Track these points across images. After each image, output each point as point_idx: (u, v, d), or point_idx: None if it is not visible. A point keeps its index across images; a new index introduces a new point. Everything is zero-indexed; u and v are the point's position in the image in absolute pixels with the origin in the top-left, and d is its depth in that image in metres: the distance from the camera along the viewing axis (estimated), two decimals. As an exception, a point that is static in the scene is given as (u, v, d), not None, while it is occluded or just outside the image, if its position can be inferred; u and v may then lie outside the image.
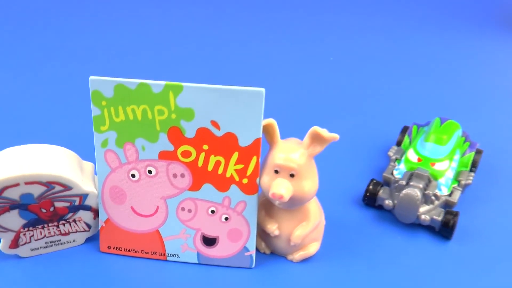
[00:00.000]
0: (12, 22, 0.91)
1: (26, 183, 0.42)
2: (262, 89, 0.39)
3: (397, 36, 0.98)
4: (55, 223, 0.45)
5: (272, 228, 0.44)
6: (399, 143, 0.61)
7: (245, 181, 0.42)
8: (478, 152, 0.58)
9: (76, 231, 0.47)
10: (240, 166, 0.42)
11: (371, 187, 0.53)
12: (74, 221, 0.46)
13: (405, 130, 0.62)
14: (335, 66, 0.85)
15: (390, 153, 0.59)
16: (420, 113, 0.70)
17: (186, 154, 0.42)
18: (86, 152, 0.51)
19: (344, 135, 0.64)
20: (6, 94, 0.71)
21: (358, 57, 0.88)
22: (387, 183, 0.55)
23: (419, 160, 0.54)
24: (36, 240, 0.46)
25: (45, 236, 0.46)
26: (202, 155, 0.42)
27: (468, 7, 1.15)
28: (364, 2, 1.15)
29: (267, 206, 0.45)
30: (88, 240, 0.48)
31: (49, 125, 0.65)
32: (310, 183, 0.41)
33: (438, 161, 0.53)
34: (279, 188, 0.40)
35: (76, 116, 0.67)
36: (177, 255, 0.45)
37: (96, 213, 0.46)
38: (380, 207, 0.54)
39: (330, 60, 0.87)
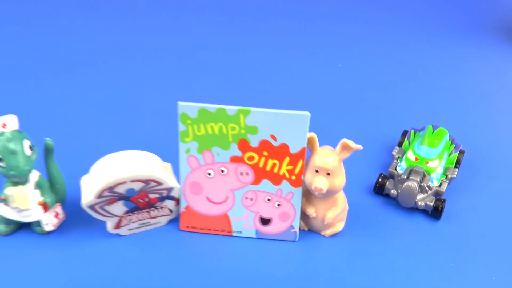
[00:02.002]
0: (112, 53, 1.07)
1: (131, 181, 0.59)
2: (308, 113, 0.57)
3: (398, 51, 1.15)
4: (147, 210, 0.63)
5: (311, 211, 0.62)
6: (400, 144, 0.79)
7: (293, 177, 0.60)
8: (461, 152, 0.77)
9: (162, 215, 0.64)
10: (290, 167, 0.59)
11: (379, 179, 0.72)
12: (161, 207, 0.63)
13: (404, 133, 0.80)
14: (344, 75, 1.03)
15: (394, 153, 0.77)
16: (417, 119, 0.88)
17: (251, 158, 0.59)
18: (162, 156, 0.67)
19: (357, 138, 0.81)
20: (110, 113, 0.88)
21: (364, 68, 1.06)
22: (392, 176, 0.73)
23: (416, 159, 0.72)
24: (133, 222, 0.63)
25: (139, 219, 0.63)
26: (263, 159, 0.59)
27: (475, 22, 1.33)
28: (372, 13, 1.32)
29: (307, 195, 0.63)
30: (169, 222, 0.65)
31: (136, 135, 0.82)
32: (340, 179, 0.59)
33: (431, 160, 0.71)
34: (319, 183, 0.58)
35: (151, 128, 0.84)
36: (240, 232, 0.63)
37: (177, 201, 0.63)
38: (387, 195, 0.72)
39: (339, 66, 1.05)
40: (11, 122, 0.58)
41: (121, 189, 0.59)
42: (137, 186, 0.59)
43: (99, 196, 0.59)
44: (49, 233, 0.64)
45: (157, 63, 1.04)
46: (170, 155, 0.66)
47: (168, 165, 0.64)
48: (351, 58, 1.09)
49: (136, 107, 0.90)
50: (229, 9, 1.29)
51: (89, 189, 0.60)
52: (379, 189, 0.72)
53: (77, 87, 0.95)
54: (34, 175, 0.62)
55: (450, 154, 0.76)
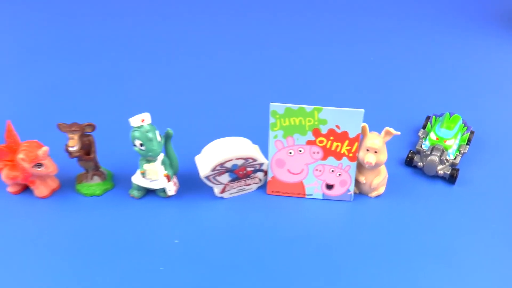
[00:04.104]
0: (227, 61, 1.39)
1: (236, 158, 0.87)
2: (363, 110, 0.85)
3: (421, 46, 1.44)
4: (244, 179, 0.92)
5: (362, 179, 0.91)
6: (424, 127, 1.08)
7: (350, 155, 0.89)
8: (472, 132, 1.06)
9: (254, 183, 0.93)
10: (348, 147, 0.88)
11: (409, 155, 1.00)
12: (254, 177, 0.92)
13: (427, 118, 1.08)
14: (376, 68, 1.30)
15: (419, 134, 1.05)
16: (436, 106, 1.16)
17: (321, 141, 0.88)
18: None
19: (390, 122, 1.09)
20: (210, 108, 1.20)
21: (392, 62, 1.34)
22: (418, 152, 1.02)
23: (437, 139, 1.01)
24: (233, 188, 0.92)
25: (237, 186, 0.92)
26: (330, 142, 0.88)
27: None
28: (399, 10, 1.59)
29: (359, 167, 0.92)
30: (259, 188, 0.95)
31: (230, 125, 1.11)
32: (384, 156, 0.88)
33: (448, 139, 1.00)
34: (370, 158, 0.87)
35: (239, 119, 1.14)
36: (311, 194, 0.93)
37: (265, 173, 0.92)
38: (414, 167, 1.01)
39: (371, 60, 1.32)
40: (147, 118, 0.86)
41: (228, 165, 0.88)
42: (240, 162, 0.88)
43: (213, 169, 0.88)
44: (170, 197, 0.93)
45: (249, 66, 1.36)
46: (253, 139, 0.95)
47: (256, 146, 0.93)
48: (381, 53, 1.37)
49: (230, 103, 1.21)
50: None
51: (205, 164, 0.89)
52: (409, 162, 1.01)
53: (187, 88, 1.27)
54: (160, 155, 0.91)
55: (463, 134, 1.04)
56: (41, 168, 0.90)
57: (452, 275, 0.81)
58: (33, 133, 0.96)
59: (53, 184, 0.96)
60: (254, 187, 0.95)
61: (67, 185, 0.97)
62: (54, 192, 0.96)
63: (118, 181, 0.98)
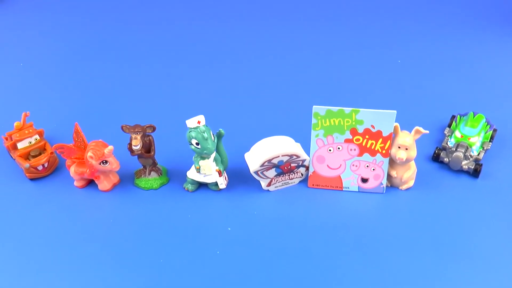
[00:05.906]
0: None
1: (282, 155, 1.03)
2: (395, 111, 1.00)
3: (445, 49, 1.58)
4: (288, 174, 1.08)
5: (393, 173, 1.07)
6: (449, 126, 1.23)
7: (383, 151, 1.04)
8: (494, 130, 1.20)
9: (296, 177, 1.09)
10: (382, 145, 1.03)
11: (436, 151, 1.16)
12: (296, 172, 1.08)
13: (452, 118, 1.23)
14: (404, 71, 1.46)
15: (445, 132, 1.20)
16: (461, 106, 1.31)
17: (358, 139, 1.03)
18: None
19: (418, 121, 1.25)
20: (257, 109, 1.37)
21: (419, 64, 1.49)
22: (444, 149, 1.17)
23: (461, 136, 1.16)
24: (278, 182, 1.08)
25: (282, 180, 1.08)
26: (365, 140, 1.03)
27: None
28: (425, 14, 1.74)
29: (391, 163, 1.07)
30: (300, 182, 1.11)
31: (278, 125, 1.27)
32: (414, 152, 1.03)
33: (472, 137, 1.15)
34: (401, 155, 1.02)
35: (282, 120, 1.31)
36: (348, 187, 1.09)
37: (307, 168, 1.08)
38: (441, 162, 1.16)
39: (398, 62, 1.47)
40: (202, 119, 1.03)
41: (275, 161, 1.04)
42: (285, 158, 1.04)
43: (262, 165, 1.04)
44: (221, 190, 1.10)
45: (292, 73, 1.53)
46: (294, 137, 1.11)
47: (299, 144, 1.09)
48: (408, 56, 1.53)
49: (273, 105, 1.38)
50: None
51: (254, 160, 1.05)
52: (436, 158, 1.16)
53: (235, 92, 1.44)
54: (213, 152, 1.07)
55: (486, 132, 1.19)
56: (107, 165, 1.07)
57: (474, 264, 0.95)
58: (95, 133, 1.13)
59: (114, 179, 1.13)
60: (296, 181, 1.11)
61: (126, 180, 1.14)
62: (115, 186, 1.13)
63: (172, 176, 1.15)
